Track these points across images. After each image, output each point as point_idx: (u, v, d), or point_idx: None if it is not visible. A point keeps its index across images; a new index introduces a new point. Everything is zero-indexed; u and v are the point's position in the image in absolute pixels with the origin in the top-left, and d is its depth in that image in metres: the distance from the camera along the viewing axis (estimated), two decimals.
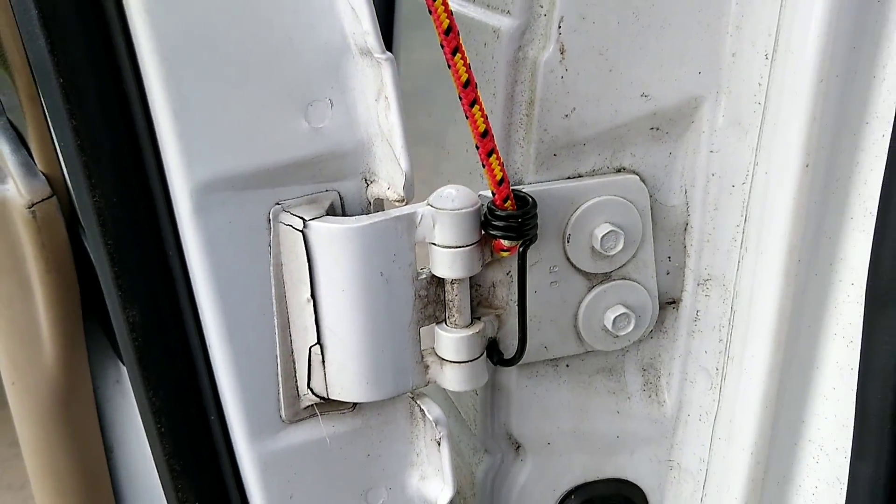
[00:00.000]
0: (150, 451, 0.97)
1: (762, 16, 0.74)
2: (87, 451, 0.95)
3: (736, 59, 0.77)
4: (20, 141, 0.83)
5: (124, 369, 0.96)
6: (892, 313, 0.68)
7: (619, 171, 0.82)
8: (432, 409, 0.81)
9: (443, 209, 0.74)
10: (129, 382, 0.96)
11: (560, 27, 0.76)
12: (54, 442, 0.93)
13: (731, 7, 0.76)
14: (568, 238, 0.81)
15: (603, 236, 0.80)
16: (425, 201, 0.76)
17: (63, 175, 0.82)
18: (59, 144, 0.70)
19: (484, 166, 0.73)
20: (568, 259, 0.82)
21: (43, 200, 0.79)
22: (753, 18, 0.75)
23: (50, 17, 0.65)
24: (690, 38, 0.77)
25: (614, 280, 0.84)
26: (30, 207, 0.79)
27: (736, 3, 0.75)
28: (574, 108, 0.78)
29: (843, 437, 0.77)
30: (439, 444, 0.82)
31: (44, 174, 0.81)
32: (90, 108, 0.68)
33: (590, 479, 0.93)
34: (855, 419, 0.73)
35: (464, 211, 0.74)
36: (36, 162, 0.81)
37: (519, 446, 0.92)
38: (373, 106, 0.71)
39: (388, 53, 0.67)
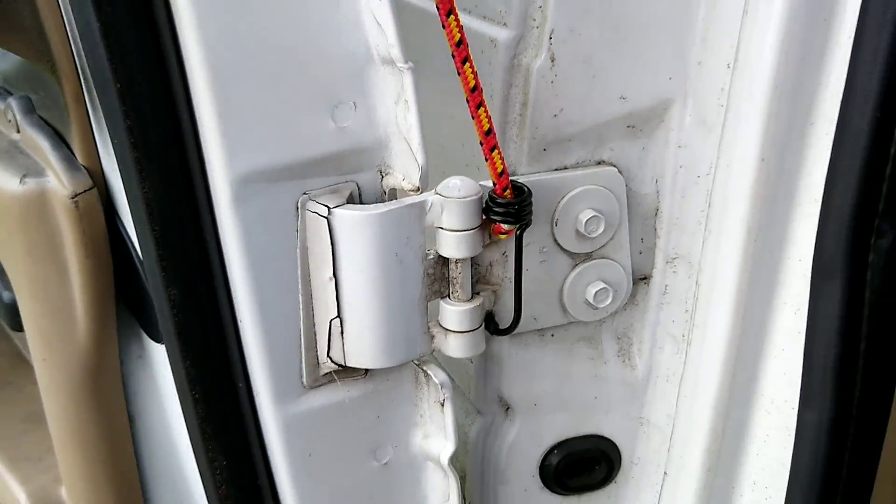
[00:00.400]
0: (169, 421, 1.06)
1: (725, 30, 0.85)
2: (113, 421, 1.03)
3: (702, 67, 0.89)
4: (59, 137, 0.91)
5: (147, 345, 1.04)
6: (834, 284, 0.81)
7: (599, 163, 0.93)
8: (438, 374, 0.91)
9: (450, 197, 0.85)
10: (151, 357, 1.04)
11: (551, 38, 0.86)
12: (83, 414, 1.01)
13: (699, 22, 0.87)
14: (556, 222, 0.92)
15: (586, 221, 0.92)
16: (433, 190, 0.86)
17: (101, 169, 0.90)
18: (113, 142, 0.79)
19: (487, 160, 0.84)
20: (555, 241, 0.93)
21: (85, 191, 0.87)
22: (718, 32, 0.86)
23: (109, 30, 0.73)
24: (663, 48, 0.88)
25: (595, 259, 0.95)
26: (73, 198, 0.87)
27: (702, 19, 0.87)
28: (562, 109, 0.89)
29: (791, 392, 0.89)
30: (443, 405, 0.92)
31: (85, 168, 0.89)
32: (143, 110, 0.77)
33: (570, 435, 1.05)
34: (802, 375, 0.86)
35: (468, 199, 0.85)
36: (77, 157, 0.89)
37: (508, 407, 1.03)
38: (391, 108, 0.81)
39: (410, 63, 0.77)
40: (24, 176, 0.90)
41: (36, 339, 1.00)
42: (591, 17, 0.86)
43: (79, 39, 0.81)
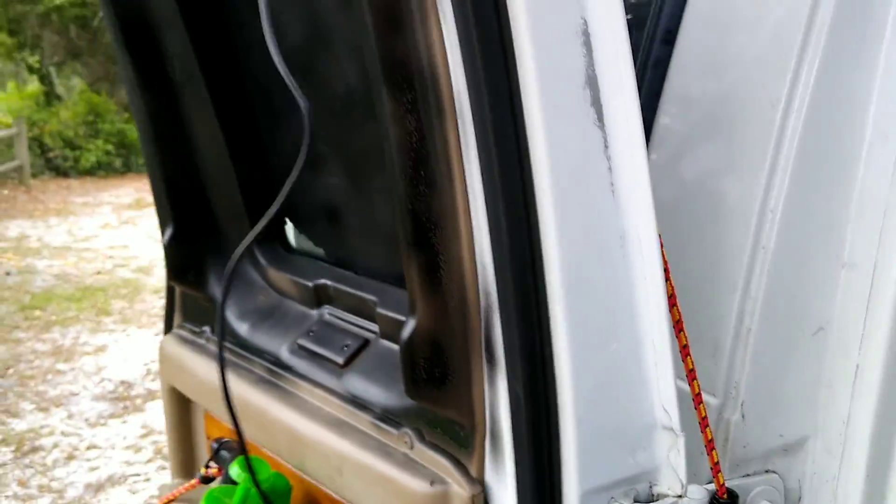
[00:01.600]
0: None
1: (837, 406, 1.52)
2: None
3: (826, 413, 1.55)
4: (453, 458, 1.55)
5: None
6: None
7: (767, 471, 1.58)
8: None
9: (693, 499, 1.48)
10: None
11: (742, 405, 1.53)
12: None
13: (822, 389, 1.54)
14: None
15: None
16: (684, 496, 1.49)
17: (485, 483, 1.53)
18: (517, 471, 1.43)
19: (714, 477, 1.48)
20: None
21: (478, 493, 1.51)
22: (834, 410, 1.53)
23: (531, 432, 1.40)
24: (802, 407, 1.55)
25: None
26: (471, 498, 1.51)
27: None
28: (747, 443, 1.55)
29: None
30: None
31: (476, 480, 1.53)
32: (540, 471, 1.41)
33: None
34: None
35: (703, 499, 1.48)
36: (471, 472, 1.53)
37: None
38: (665, 451, 1.46)
39: (683, 433, 1.42)
40: (433, 482, 1.54)
41: None
42: (764, 393, 1.53)
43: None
